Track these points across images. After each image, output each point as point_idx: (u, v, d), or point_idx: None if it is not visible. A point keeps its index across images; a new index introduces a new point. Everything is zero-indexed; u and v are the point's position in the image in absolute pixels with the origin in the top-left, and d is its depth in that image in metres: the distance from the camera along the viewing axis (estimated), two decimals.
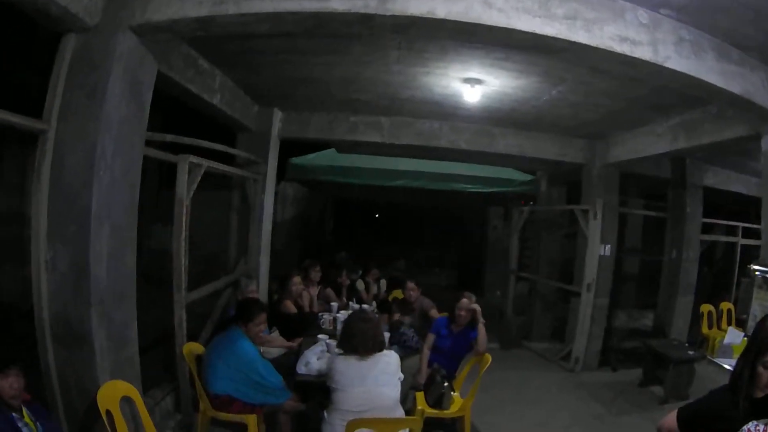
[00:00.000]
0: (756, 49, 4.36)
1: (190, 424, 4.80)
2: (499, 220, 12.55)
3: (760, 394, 2.19)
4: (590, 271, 7.87)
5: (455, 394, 5.06)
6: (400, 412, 3.93)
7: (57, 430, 3.02)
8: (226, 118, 6.30)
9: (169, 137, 4.99)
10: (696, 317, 8.59)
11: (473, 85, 5.51)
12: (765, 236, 5.02)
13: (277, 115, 7.30)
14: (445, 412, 4.83)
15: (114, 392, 3.57)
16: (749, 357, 2.23)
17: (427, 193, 10.07)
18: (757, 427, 2.06)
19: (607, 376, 7.56)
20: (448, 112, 6.85)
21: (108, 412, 3.38)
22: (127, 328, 3.96)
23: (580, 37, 3.66)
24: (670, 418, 2.45)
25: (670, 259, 8.80)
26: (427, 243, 15.02)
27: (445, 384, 4.90)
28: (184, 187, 4.84)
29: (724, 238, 10.56)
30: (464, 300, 5.30)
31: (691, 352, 6.74)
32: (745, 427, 2.08)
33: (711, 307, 8.57)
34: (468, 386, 5.04)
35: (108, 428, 3.36)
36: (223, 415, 4.40)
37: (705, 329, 8.39)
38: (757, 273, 4.74)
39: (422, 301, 6.70)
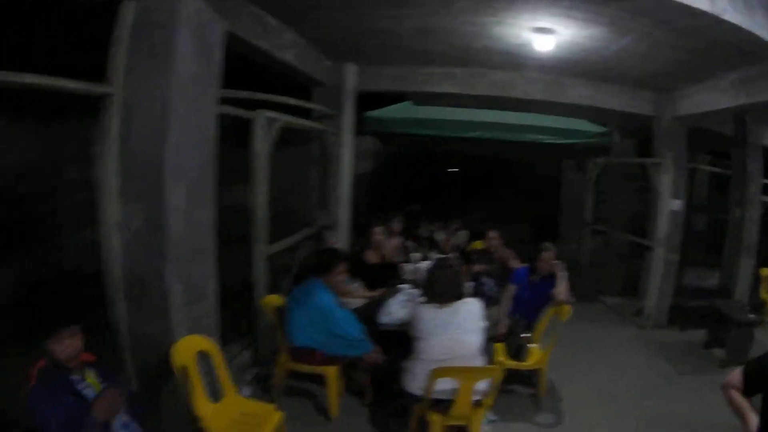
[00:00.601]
0: None
1: (268, 377, 4.84)
2: (573, 172, 12.18)
3: None
4: (662, 226, 7.62)
5: (533, 346, 4.95)
6: (482, 361, 3.86)
7: (126, 390, 3.02)
8: (299, 73, 6.19)
9: (244, 93, 4.91)
10: (756, 280, 8.15)
11: (544, 34, 5.27)
12: None
13: (351, 69, 7.17)
14: (523, 363, 4.73)
15: (190, 347, 3.59)
16: None
17: (500, 144, 9.76)
18: None
19: (676, 335, 7.29)
20: (520, 62, 6.57)
21: (183, 369, 3.41)
22: (205, 283, 3.97)
23: None
24: (736, 374, 2.49)
25: (734, 219, 8.36)
26: (501, 195, 14.74)
27: (524, 335, 4.82)
28: (262, 142, 4.82)
29: None
30: (545, 252, 5.19)
31: (751, 316, 6.38)
32: None
33: None
34: (545, 339, 4.95)
35: (183, 384, 3.40)
36: (303, 367, 4.43)
37: (764, 294, 7.98)
38: None
39: (502, 251, 6.56)
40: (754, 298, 7.98)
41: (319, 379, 4.49)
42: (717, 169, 9.29)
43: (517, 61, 6.54)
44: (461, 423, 3.72)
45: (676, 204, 7.64)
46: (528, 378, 4.96)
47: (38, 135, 8.41)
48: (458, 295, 3.92)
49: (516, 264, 6.10)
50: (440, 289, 3.89)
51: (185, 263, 3.69)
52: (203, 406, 3.49)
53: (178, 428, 3.56)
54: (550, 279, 5.13)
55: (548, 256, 5.18)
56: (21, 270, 7.14)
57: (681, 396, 5.21)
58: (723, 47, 5.16)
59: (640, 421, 4.63)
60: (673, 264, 7.76)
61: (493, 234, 6.68)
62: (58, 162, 8.52)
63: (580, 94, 7.53)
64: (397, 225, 6.80)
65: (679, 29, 4.74)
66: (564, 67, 6.72)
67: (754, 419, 2.36)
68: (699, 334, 6.94)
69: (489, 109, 8.98)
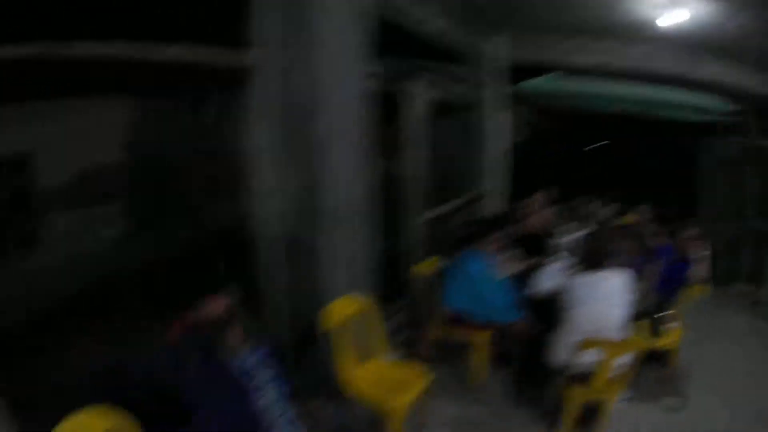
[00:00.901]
0: None
1: (416, 342, 4.89)
2: (709, 152, 11.35)
3: None
4: None
5: (671, 325, 4.73)
6: (625, 335, 3.77)
7: (276, 351, 3.08)
8: (451, 42, 6.13)
9: (395, 63, 4.97)
10: None
11: (677, 8, 5.20)
12: None
13: (501, 40, 7.10)
14: (659, 342, 4.56)
15: (344, 308, 3.68)
16: None
17: (637, 121, 9.45)
18: None
19: None
20: (655, 36, 6.37)
21: (336, 329, 3.50)
22: (361, 246, 4.04)
23: None
24: None
25: None
26: (643, 172, 14.04)
27: (661, 314, 4.67)
28: (418, 109, 4.85)
29: None
30: (687, 231, 5.17)
31: None
32: None
33: None
34: (677, 319, 4.73)
35: (334, 345, 3.49)
36: (453, 333, 4.45)
37: None
38: None
39: (651, 226, 6.23)
40: None
41: (468, 347, 4.47)
42: None
43: (651, 35, 6.38)
44: (600, 397, 3.63)
45: None
46: (660, 358, 4.73)
47: (185, 107, 9.10)
48: (611, 266, 3.84)
49: (659, 241, 5.90)
50: (595, 259, 3.84)
51: (341, 227, 3.76)
52: (352, 368, 3.57)
53: (326, 389, 3.63)
54: (689, 259, 5.06)
55: (690, 236, 5.15)
56: (175, 237, 7.82)
57: None
58: None
59: (762, 413, 4.29)
60: None
61: (643, 208, 6.54)
62: (206, 132, 9.18)
63: (713, 71, 7.21)
64: (552, 195, 6.63)
65: None
66: (698, 42, 6.51)
67: None
68: None
69: (626, 84, 8.70)
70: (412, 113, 4.83)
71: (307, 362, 3.76)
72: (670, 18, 5.42)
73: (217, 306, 2.58)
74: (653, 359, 4.63)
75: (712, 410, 4.27)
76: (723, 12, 5.22)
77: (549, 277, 4.33)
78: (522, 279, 4.72)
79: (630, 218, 6.90)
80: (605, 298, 3.72)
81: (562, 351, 3.69)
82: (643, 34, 6.44)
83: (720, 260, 8.42)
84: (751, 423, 4.18)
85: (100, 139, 7.62)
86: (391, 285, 5.23)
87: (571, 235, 5.59)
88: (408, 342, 5.03)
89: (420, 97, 4.88)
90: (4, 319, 5.72)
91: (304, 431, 2.73)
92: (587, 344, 3.50)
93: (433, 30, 5.44)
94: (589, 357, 3.54)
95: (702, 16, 5.40)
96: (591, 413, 3.77)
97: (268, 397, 2.68)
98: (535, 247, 5.38)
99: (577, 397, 3.62)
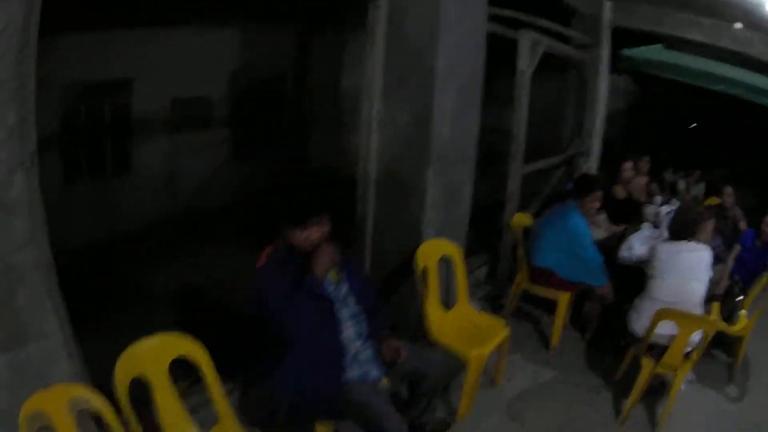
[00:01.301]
0: None
1: (500, 296, 4.87)
2: None
3: None
4: None
5: (743, 312, 4.55)
6: (702, 311, 3.73)
7: (367, 283, 3.04)
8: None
9: (508, 12, 4.84)
10: None
11: None
12: None
13: (607, 2, 6.93)
14: (732, 328, 4.39)
15: (436, 250, 3.64)
16: None
17: (735, 103, 8.88)
18: None
19: None
20: (759, 21, 6.30)
21: (424, 269, 3.45)
22: (462, 188, 4.00)
23: None
24: None
25: None
26: (736, 155, 13.59)
27: (739, 299, 4.53)
28: (526, 62, 4.72)
29: None
30: None
31: None
32: None
33: None
34: (753, 307, 4.49)
35: (421, 285, 3.44)
36: (538, 289, 4.41)
37: None
38: None
39: (735, 210, 6.13)
40: None
41: (549, 306, 4.43)
42: None
43: (755, 20, 6.29)
44: (669, 372, 3.54)
45: None
46: (729, 344, 4.57)
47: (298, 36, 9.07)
48: (698, 239, 3.81)
49: (744, 225, 5.84)
50: (683, 231, 3.79)
51: (446, 165, 3.71)
52: (436, 310, 3.54)
53: (408, 328, 3.65)
54: None
55: None
56: (274, 166, 7.88)
57: None
58: None
59: None
60: None
61: (729, 191, 6.30)
62: (316, 63, 9.15)
63: None
64: (645, 165, 6.50)
65: None
66: None
67: None
68: None
69: (729, 65, 8.33)
70: (524, 63, 4.69)
71: (394, 300, 3.75)
72: None
73: (310, 234, 2.55)
74: (720, 344, 4.51)
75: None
76: None
77: (637, 244, 4.24)
78: (610, 244, 4.62)
79: (715, 200, 6.73)
80: (687, 271, 3.68)
81: (642, 319, 3.64)
82: (750, 19, 6.30)
83: None
84: None
85: (204, 67, 7.66)
86: (485, 234, 5.18)
87: (659, 207, 5.52)
88: (492, 295, 5.00)
89: (532, 48, 4.72)
90: (100, 239, 5.92)
91: (382, 370, 2.72)
92: (665, 315, 3.43)
93: None
94: (664, 329, 3.47)
95: None
96: (659, 388, 3.75)
97: (350, 331, 2.69)
98: (626, 214, 5.28)
99: (647, 369, 3.54)
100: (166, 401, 2.30)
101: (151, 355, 2.29)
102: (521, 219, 4.74)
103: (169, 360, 2.32)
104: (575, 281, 4.27)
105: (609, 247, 4.47)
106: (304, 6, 7.61)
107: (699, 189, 7.78)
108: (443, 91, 3.53)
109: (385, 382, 2.71)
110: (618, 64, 8.47)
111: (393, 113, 3.62)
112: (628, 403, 3.55)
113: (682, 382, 3.56)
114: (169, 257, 5.50)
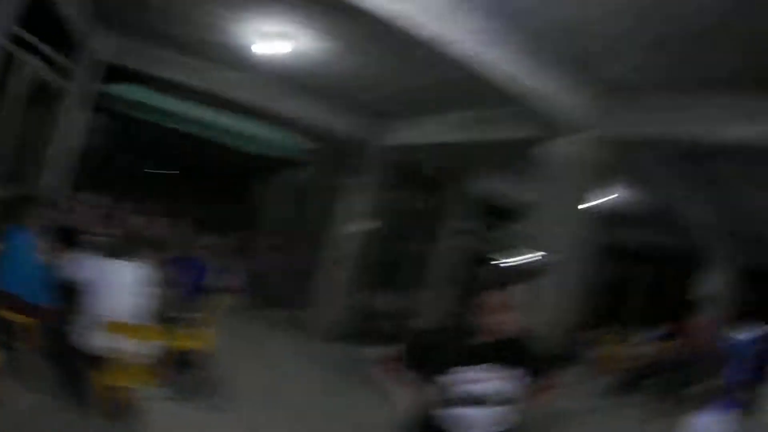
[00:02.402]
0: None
1: None
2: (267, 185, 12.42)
3: None
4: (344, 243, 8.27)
5: (194, 328, 4.98)
6: (142, 323, 4.02)
7: None
8: None
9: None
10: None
11: (277, 39, 5.50)
12: None
13: (102, 34, 6.55)
14: (180, 342, 4.75)
15: None
16: None
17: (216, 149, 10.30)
18: None
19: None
20: (249, 63, 6.58)
21: None
22: None
23: None
24: (392, 351, 2.56)
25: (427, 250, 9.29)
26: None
27: (182, 316, 4.88)
28: None
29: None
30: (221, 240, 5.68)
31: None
32: None
33: None
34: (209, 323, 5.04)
35: None
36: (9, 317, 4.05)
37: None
38: None
39: (186, 237, 6.62)
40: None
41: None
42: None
43: (246, 62, 6.54)
44: (123, 383, 3.85)
45: (359, 226, 8.17)
46: (192, 362, 4.98)
47: None
48: (130, 258, 4.14)
49: (191, 251, 6.14)
50: (117, 248, 4.18)
51: None
52: None
53: None
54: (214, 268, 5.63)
55: (215, 245, 5.65)
56: None
57: None
58: (449, 85, 5.59)
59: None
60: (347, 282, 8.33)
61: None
62: None
63: (297, 108, 7.77)
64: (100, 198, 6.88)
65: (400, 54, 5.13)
66: (292, 78, 6.93)
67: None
68: None
69: (212, 107, 8.96)
70: None
71: None
72: (270, 48, 5.53)
73: None
74: (186, 364, 4.87)
75: (253, 410, 4.77)
76: (331, 51, 5.50)
77: (79, 267, 4.34)
78: (54, 267, 4.55)
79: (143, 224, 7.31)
80: (119, 286, 3.97)
81: (83, 334, 3.80)
82: (237, 60, 6.54)
83: (264, 282, 9.30)
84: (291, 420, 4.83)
85: None
86: None
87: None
88: None
89: None
90: None
91: None
92: (101, 326, 3.66)
93: None
94: (104, 341, 3.71)
95: (307, 52, 5.63)
96: (122, 403, 3.94)
97: None
98: (70, 240, 5.23)
99: (99, 381, 3.74)
100: None
101: None
102: None
103: None
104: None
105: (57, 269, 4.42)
106: None
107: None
108: None
109: None
110: (103, 102, 8.09)
111: None
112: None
113: (160, 398, 3.93)
114: None
